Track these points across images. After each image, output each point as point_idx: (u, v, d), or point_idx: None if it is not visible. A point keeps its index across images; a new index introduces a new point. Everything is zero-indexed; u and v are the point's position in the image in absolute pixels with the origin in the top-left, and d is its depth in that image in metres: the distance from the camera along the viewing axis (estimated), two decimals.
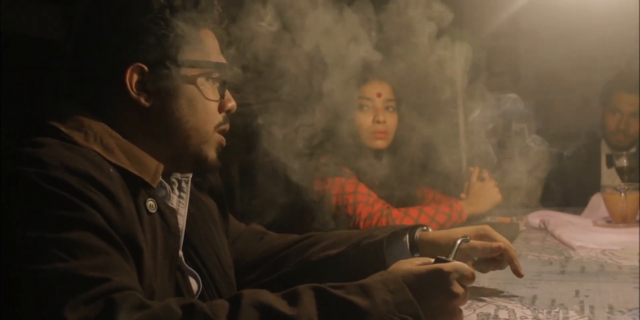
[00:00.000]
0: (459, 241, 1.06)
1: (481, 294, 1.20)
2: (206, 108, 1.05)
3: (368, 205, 2.00)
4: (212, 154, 1.08)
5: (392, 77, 2.22)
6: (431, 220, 1.99)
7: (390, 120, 2.19)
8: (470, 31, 3.36)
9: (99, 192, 0.87)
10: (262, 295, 0.85)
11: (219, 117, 1.08)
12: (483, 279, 1.32)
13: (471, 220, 2.06)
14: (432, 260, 0.98)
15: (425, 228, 1.29)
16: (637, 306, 1.08)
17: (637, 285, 1.24)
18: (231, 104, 1.10)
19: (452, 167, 3.61)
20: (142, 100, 1.00)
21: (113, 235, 0.85)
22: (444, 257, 0.98)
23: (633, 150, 2.63)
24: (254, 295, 0.84)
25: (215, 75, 1.06)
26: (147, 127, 1.01)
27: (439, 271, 0.93)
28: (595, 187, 2.56)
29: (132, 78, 0.98)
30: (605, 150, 2.71)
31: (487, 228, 1.24)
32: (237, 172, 3.69)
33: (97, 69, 1.00)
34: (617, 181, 2.55)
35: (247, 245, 1.36)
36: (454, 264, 0.95)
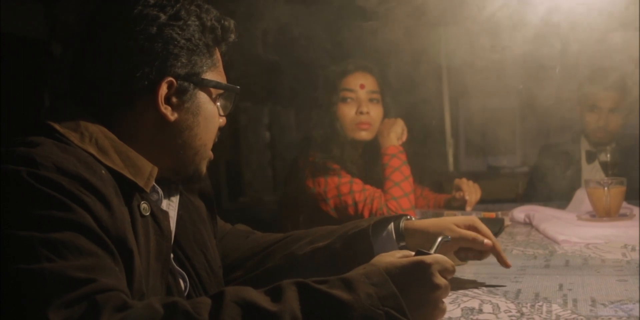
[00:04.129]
0: (440, 238, 1.07)
1: (465, 288, 1.21)
2: (215, 127, 1.11)
3: (368, 204, 2.02)
4: (204, 168, 1.12)
5: (376, 69, 2.23)
6: (405, 178, 2.07)
7: (374, 112, 2.19)
8: (455, 26, 3.38)
9: (90, 193, 0.87)
10: (244, 291, 0.85)
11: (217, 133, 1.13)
12: (468, 274, 1.33)
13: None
14: (413, 253, 0.99)
15: (409, 217, 1.31)
16: (620, 299, 1.10)
17: (620, 278, 1.25)
18: (223, 119, 1.14)
19: (438, 163, 3.64)
20: (169, 114, 1.02)
21: (102, 237, 0.85)
22: (424, 250, 0.99)
23: (613, 145, 2.66)
24: (237, 292, 0.84)
25: (227, 96, 1.12)
26: (163, 140, 1.04)
27: (421, 263, 0.93)
28: (576, 182, 2.60)
29: (162, 92, 1.01)
30: (585, 146, 2.74)
31: (475, 220, 1.27)
32: (223, 170, 3.68)
33: (121, 77, 1.00)
34: (597, 177, 2.59)
35: (233, 243, 1.36)
36: (434, 256, 0.96)
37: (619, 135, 2.71)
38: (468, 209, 2.16)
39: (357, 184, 2.08)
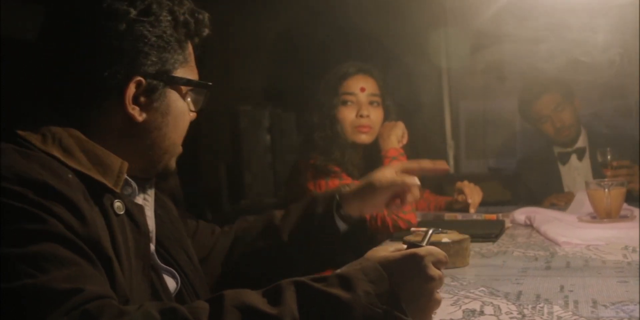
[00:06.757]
0: (431, 230, 1.07)
1: (467, 290, 1.21)
2: (185, 124, 1.07)
3: None
4: (173, 164, 1.10)
5: (377, 72, 2.23)
6: None
7: (375, 115, 2.19)
8: (455, 29, 3.39)
9: (58, 201, 0.84)
10: (243, 295, 0.84)
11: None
12: (469, 275, 1.33)
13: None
14: (405, 246, 0.99)
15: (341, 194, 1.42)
16: (621, 300, 1.10)
17: (621, 279, 1.25)
18: (194, 114, 1.11)
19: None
20: (136, 114, 0.99)
21: (78, 243, 0.83)
22: (416, 243, 0.99)
23: (580, 144, 2.70)
24: (236, 295, 0.84)
25: (199, 91, 1.07)
26: (131, 140, 1.01)
27: (414, 256, 0.93)
28: (555, 185, 2.64)
29: (130, 92, 0.98)
30: (557, 148, 2.77)
31: (394, 167, 1.43)
32: (224, 173, 3.69)
33: (88, 76, 0.97)
34: (575, 178, 2.65)
35: (203, 240, 1.38)
36: (427, 248, 0.96)
37: (587, 124, 2.79)
38: (471, 211, 2.16)
39: None
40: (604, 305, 1.07)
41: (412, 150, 2.25)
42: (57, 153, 0.91)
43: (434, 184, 3.01)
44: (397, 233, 1.89)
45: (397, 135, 2.17)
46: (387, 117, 2.23)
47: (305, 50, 3.37)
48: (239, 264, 1.37)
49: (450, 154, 3.66)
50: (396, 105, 2.28)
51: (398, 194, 1.41)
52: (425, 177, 2.56)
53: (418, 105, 3.41)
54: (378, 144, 2.19)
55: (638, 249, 1.53)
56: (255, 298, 0.84)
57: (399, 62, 3.32)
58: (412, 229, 1.81)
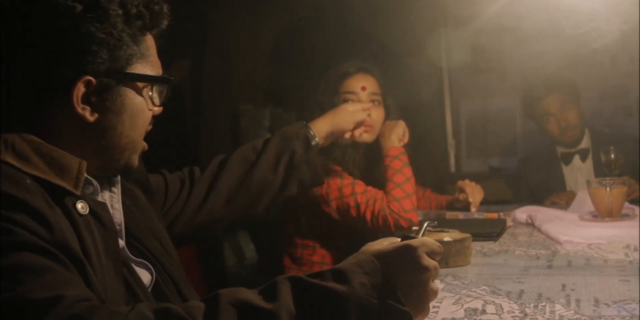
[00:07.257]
0: (426, 223, 1.07)
1: (469, 289, 1.21)
2: (145, 121, 1.04)
3: (370, 206, 2.01)
4: (135, 160, 1.07)
5: (377, 71, 2.23)
6: (407, 180, 2.06)
7: (376, 114, 2.19)
8: (455, 28, 3.39)
9: (20, 209, 0.82)
10: (239, 292, 0.83)
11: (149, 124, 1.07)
12: (471, 274, 1.33)
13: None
14: (399, 239, 0.99)
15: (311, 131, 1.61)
16: (622, 299, 1.10)
17: (622, 278, 1.25)
18: (158, 108, 1.07)
19: (440, 164, 3.64)
20: (87, 115, 0.96)
21: (49, 249, 0.81)
22: (411, 235, 0.99)
23: (583, 145, 2.70)
24: (231, 293, 0.83)
25: (160, 87, 1.05)
26: (85, 141, 0.98)
27: (408, 247, 0.93)
28: (558, 185, 2.67)
29: (79, 92, 0.94)
30: (560, 149, 2.77)
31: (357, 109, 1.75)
32: None
33: (35, 79, 0.93)
34: (578, 178, 2.65)
35: (176, 193, 1.38)
36: (421, 239, 0.95)
37: (591, 124, 2.79)
38: (472, 210, 2.16)
39: (359, 186, 2.08)
40: (606, 304, 1.07)
41: (413, 149, 2.25)
42: (11, 159, 0.88)
43: (435, 183, 3.01)
44: (398, 232, 1.89)
45: (398, 135, 2.16)
46: (388, 116, 2.23)
47: (305, 49, 3.37)
48: (222, 206, 1.43)
49: (451, 153, 3.66)
50: (397, 104, 2.28)
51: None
52: (427, 177, 2.55)
53: (419, 105, 3.41)
54: (379, 143, 2.19)
55: (639, 248, 1.53)
56: (250, 295, 0.83)
57: (400, 62, 3.32)
58: (414, 228, 1.82)
